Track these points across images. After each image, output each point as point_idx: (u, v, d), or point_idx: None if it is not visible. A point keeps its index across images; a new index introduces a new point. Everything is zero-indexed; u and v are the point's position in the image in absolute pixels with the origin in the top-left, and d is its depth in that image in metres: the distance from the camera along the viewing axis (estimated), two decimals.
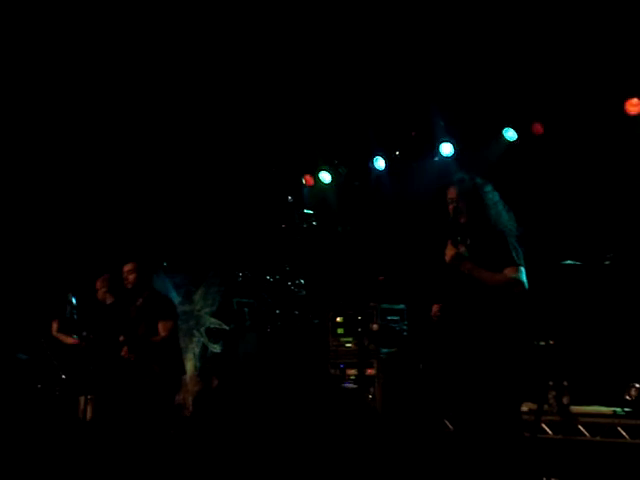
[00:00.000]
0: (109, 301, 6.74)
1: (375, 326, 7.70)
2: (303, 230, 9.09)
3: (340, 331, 8.06)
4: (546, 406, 6.33)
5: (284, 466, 6.76)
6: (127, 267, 6.71)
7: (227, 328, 9.09)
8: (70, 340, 7.45)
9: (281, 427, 7.39)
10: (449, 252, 4.70)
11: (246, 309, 9.09)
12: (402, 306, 8.04)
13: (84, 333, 6.88)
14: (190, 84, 8.04)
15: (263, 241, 9.31)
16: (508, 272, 4.59)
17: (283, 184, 9.39)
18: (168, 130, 8.67)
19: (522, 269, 4.62)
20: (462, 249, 4.70)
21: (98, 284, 6.82)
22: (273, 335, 8.81)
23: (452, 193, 4.90)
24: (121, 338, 6.45)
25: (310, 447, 7.05)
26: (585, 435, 6.21)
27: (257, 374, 8.40)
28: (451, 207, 4.82)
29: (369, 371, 7.63)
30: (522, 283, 4.58)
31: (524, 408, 6.25)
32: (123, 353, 6.39)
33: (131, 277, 6.67)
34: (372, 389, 7.58)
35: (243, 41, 7.42)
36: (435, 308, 4.91)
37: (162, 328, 6.51)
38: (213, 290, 9.28)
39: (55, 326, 7.46)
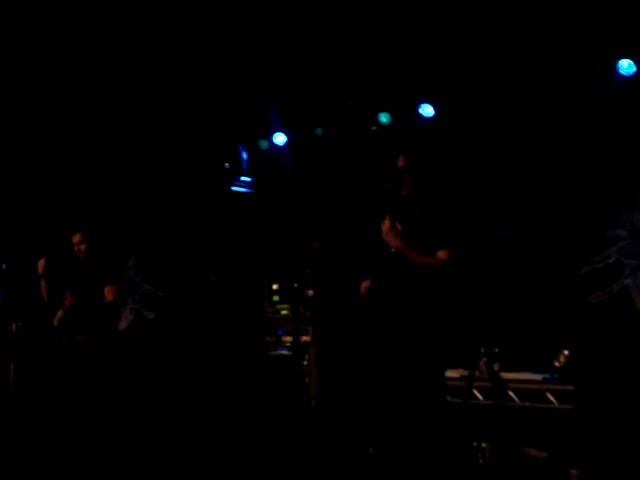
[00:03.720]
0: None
1: (311, 292, 7.72)
2: (240, 197, 9.05)
3: (276, 298, 8.08)
4: (477, 372, 6.41)
5: (219, 431, 6.77)
6: (76, 237, 6.55)
7: (161, 295, 9.02)
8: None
9: (216, 393, 7.39)
10: (384, 227, 4.71)
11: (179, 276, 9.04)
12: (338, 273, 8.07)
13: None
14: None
15: (199, 208, 9.23)
16: (440, 255, 4.65)
17: (220, 151, 9.30)
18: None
19: (456, 251, 4.67)
20: (398, 227, 4.70)
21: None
22: (207, 302, 8.77)
23: (401, 162, 4.88)
24: (67, 298, 6.31)
25: (242, 413, 7.07)
26: (515, 401, 6.32)
27: (191, 342, 8.37)
28: (400, 176, 4.81)
29: (304, 338, 7.67)
30: (451, 266, 4.64)
31: (455, 374, 6.35)
32: (66, 302, 6.26)
33: (82, 247, 6.52)
34: (307, 356, 7.61)
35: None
36: (364, 285, 4.93)
37: (109, 292, 6.40)
38: (147, 256, 9.19)
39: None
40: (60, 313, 6.34)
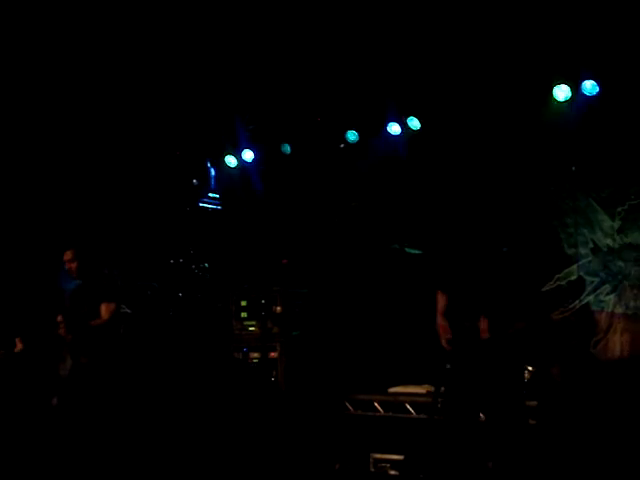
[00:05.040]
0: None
1: (279, 308, 7.76)
2: (208, 213, 9.07)
3: (244, 315, 8.09)
4: (443, 388, 6.47)
5: (191, 445, 6.76)
6: (67, 255, 6.38)
7: (129, 311, 8.96)
8: None
9: (187, 409, 7.38)
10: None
11: (148, 292, 9.00)
12: (305, 290, 8.12)
13: None
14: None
15: (167, 224, 9.23)
16: None
17: (188, 167, 9.32)
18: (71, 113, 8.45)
19: None
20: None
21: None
22: (176, 319, 8.76)
23: None
24: (59, 318, 6.19)
25: (214, 428, 7.06)
26: (479, 416, 6.38)
27: (161, 358, 8.35)
28: None
29: (272, 354, 7.69)
30: None
31: (422, 390, 6.41)
32: (61, 332, 6.14)
33: (73, 265, 6.36)
34: (275, 372, 7.63)
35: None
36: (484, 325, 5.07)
37: (104, 310, 6.25)
38: (115, 272, 9.13)
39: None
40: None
